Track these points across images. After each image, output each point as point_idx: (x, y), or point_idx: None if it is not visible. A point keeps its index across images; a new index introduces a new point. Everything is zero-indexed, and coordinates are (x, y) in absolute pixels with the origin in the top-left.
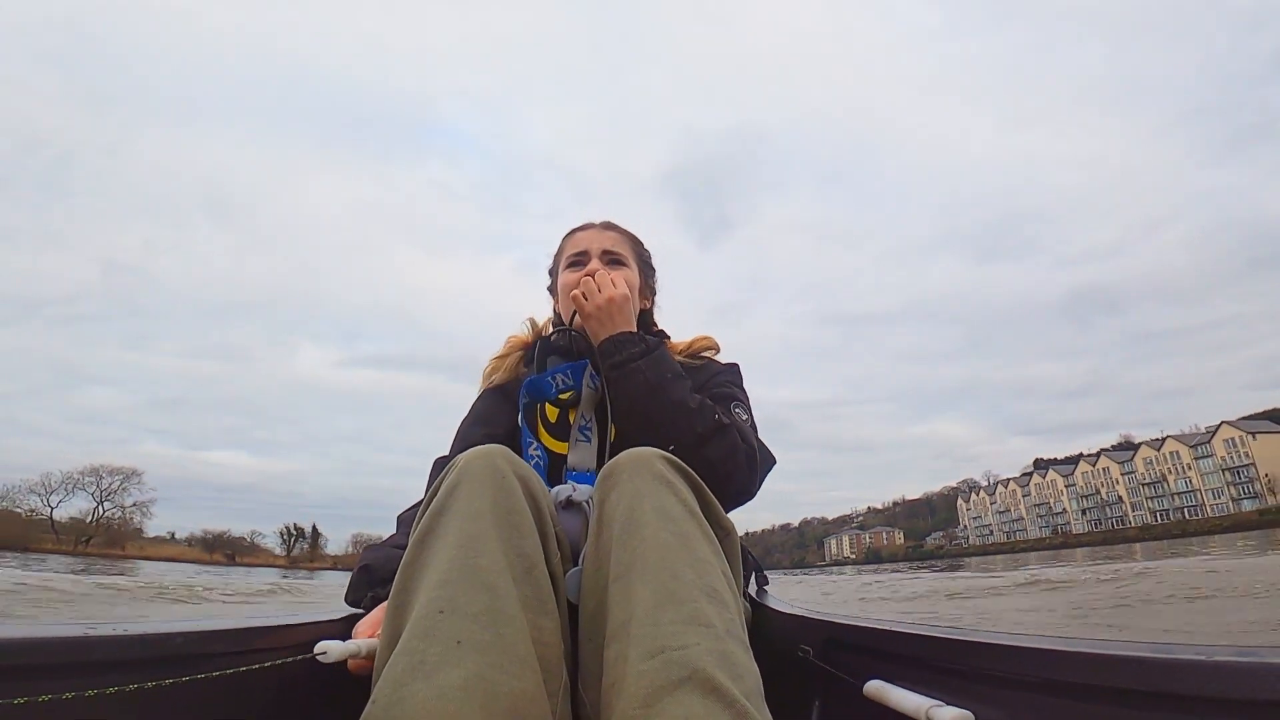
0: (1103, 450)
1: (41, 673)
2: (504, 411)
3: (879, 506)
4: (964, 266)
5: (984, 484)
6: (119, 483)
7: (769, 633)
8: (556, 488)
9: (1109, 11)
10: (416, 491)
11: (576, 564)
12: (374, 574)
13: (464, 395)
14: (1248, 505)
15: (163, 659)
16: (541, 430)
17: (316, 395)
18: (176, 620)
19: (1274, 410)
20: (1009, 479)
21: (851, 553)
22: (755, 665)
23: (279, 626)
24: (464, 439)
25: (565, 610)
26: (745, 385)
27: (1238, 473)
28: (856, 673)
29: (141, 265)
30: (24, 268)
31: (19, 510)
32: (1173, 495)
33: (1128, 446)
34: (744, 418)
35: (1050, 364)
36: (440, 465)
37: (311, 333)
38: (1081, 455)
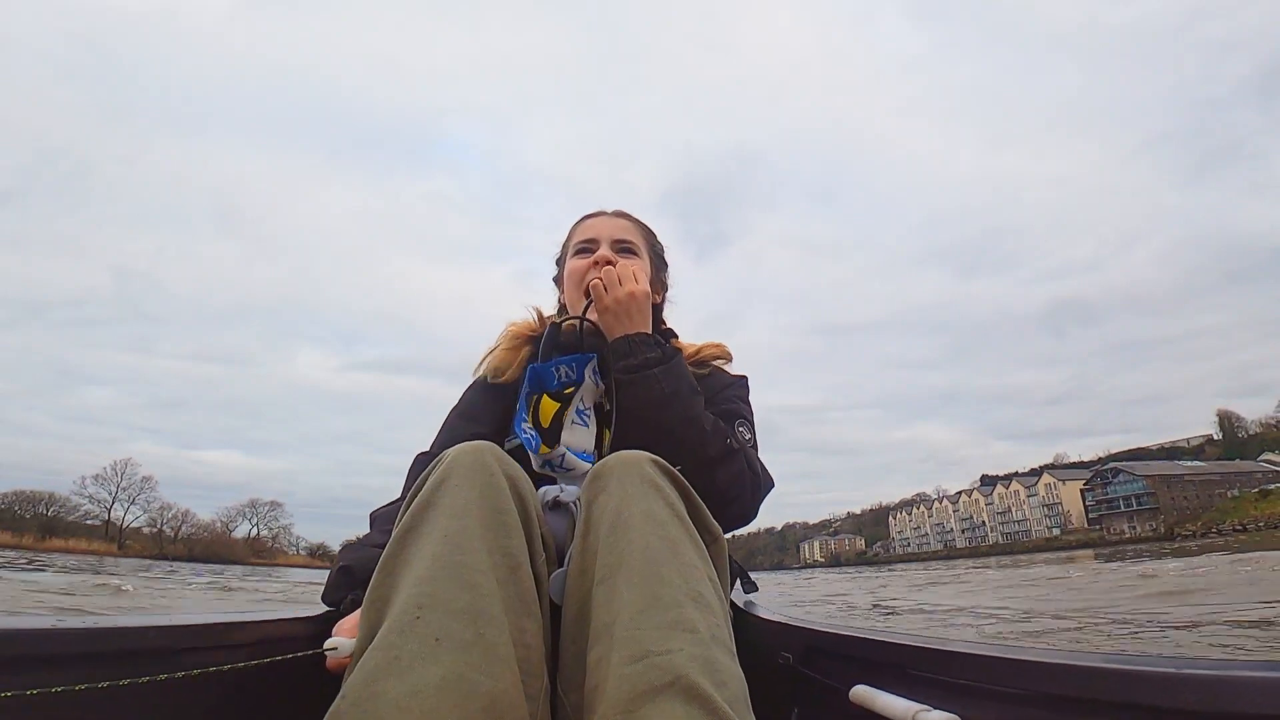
0: (1044, 466)
1: (5, 666)
2: (492, 407)
3: (857, 512)
4: (947, 279)
5: (935, 497)
6: (267, 510)
7: (750, 639)
8: (544, 488)
9: (1085, 39)
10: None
11: (562, 565)
12: (354, 575)
13: (458, 397)
14: (1056, 532)
15: (132, 654)
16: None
17: (313, 398)
18: (146, 615)
19: (1108, 456)
20: (928, 499)
21: (821, 557)
22: (740, 672)
23: (254, 622)
24: (450, 432)
25: (548, 612)
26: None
27: (1051, 508)
28: (838, 679)
29: (149, 271)
30: (34, 273)
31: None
32: (1014, 522)
33: (1059, 465)
34: (747, 437)
35: (1031, 372)
36: (421, 462)
37: (311, 337)
38: (1017, 474)
